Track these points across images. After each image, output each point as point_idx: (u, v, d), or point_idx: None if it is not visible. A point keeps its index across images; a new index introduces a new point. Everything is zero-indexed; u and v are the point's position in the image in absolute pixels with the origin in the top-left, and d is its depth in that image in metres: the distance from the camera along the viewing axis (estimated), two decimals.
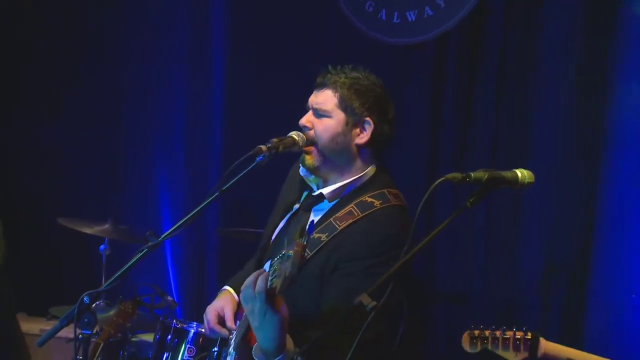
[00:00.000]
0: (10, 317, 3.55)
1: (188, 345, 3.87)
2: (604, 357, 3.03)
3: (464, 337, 3.11)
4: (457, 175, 2.15)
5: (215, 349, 3.53)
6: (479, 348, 3.08)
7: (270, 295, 2.15)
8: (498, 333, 3.01)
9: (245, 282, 2.27)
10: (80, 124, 5.94)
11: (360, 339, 2.04)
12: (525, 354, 2.96)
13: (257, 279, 2.18)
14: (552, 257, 4.11)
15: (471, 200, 2.16)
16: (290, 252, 2.08)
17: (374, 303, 1.98)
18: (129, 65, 5.88)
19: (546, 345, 2.98)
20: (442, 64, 4.46)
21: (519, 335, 2.98)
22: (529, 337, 2.97)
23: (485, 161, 4.15)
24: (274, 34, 5.13)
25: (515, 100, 4.26)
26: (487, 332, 3.04)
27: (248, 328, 2.39)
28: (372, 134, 2.58)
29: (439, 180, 2.13)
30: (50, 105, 5.99)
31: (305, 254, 2.08)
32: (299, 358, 2.11)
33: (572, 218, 4.08)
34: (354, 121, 2.57)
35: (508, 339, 2.99)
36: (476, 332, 3.07)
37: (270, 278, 2.18)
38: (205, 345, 3.79)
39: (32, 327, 5.13)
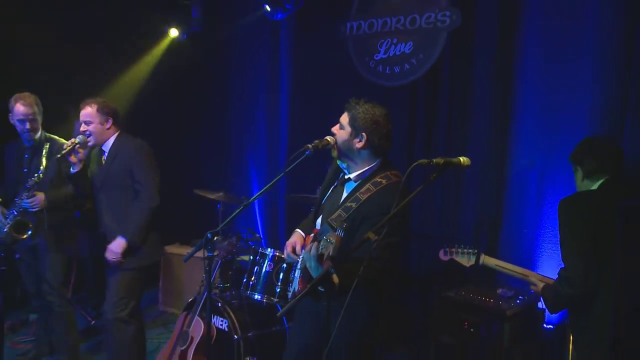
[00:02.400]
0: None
1: (268, 262, 3.79)
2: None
3: (440, 252, 3.18)
4: (424, 160, 2.19)
5: (283, 265, 3.70)
6: (448, 257, 3.15)
7: (319, 258, 2.22)
8: (459, 248, 3.10)
9: (306, 250, 2.32)
10: (207, 133, 6.07)
11: (369, 258, 2.06)
12: (472, 261, 3.03)
13: (312, 248, 2.25)
14: (480, 211, 4.11)
15: (434, 176, 2.18)
16: (332, 239, 2.11)
17: (377, 237, 2.04)
18: (232, 93, 5.86)
19: (484, 257, 3.05)
20: (415, 98, 4.42)
21: (469, 250, 3.08)
22: (475, 251, 3.06)
23: (441, 154, 3.89)
24: (318, 75, 5.01)
25: (459, 120, 4.21)
26: (453, 248, 3.13)
27: None
28: (367, 142, 2.51)
29: (414, 164, 2.16)
30: (190, 121, 6.15)
31: (341, 242, 2.12)
32: (331, 270, 2.12)
33: (492, 186, 4.06)
34: (355, 133, 2.52)
35: (464, 252, 3.09)
36: (447, 248, 3.15)
37: (320, 248, 2.20)
38: (278, 262, 3.77)
39: (182, 250, 5.35)
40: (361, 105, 2.55)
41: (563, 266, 2.60)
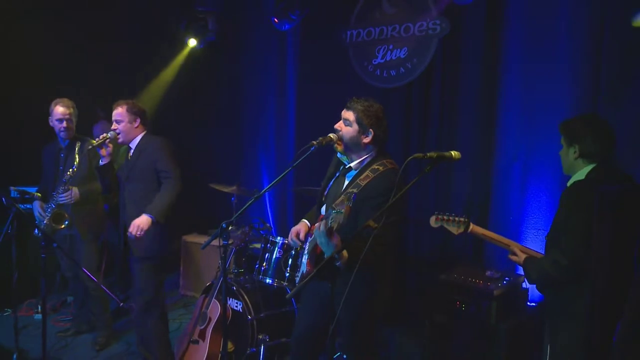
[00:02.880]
0: None
1: (278, 249, 3.80)
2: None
3: (432, 218, 2.95)
4: (419, 154, 2.19)
5: (292, 252, 3.68)
6: (438, 224, 2.93)
7: (329, 232, 2.21)
8: (450, 216, 2.89)
9: (316, 226, 2.31)
10: (221, 132, 6.04)
11: (370, 242, 2.07)
12: (461, 229, 2.84)
13: (321, 225, 2.25)
14: (469, 200, 4.10)
15: (427, 168, 2.20)
16: (342, 210, 2.08)
17: (376, 225, 2.07)
18: (244, 96, 5.86)
19: (473, 226, 2.86)
20: (410, 98, 4.42)
21: (460, 218, 2.86)
22: (465, 220, 2.84)
23: (434, 148, 4.06)
24: (321, 79, 4.97)
25: (450, 118, 4.20)
26: (444, 216, 2.90)
27: (316, 244, 2.44)
28: (373, 137, 2.55)
29: (410, 158, 2.16)
30: (206, 122, 6.14)
31: (351, 212, 2.11)
32: (335, 255, 2.17)
33: (480, 178, 4.04)
34: (362, 130, 2.54)
35: (454, 220, 2.87)
36: (439, 216, 2.92)
37: (329, 222, 2.17)
38: (287, 249, 3.76)
39: (199, 239, 5.36)
40: (361, 103, 2.57)
41: (559, 249, 2.45)
